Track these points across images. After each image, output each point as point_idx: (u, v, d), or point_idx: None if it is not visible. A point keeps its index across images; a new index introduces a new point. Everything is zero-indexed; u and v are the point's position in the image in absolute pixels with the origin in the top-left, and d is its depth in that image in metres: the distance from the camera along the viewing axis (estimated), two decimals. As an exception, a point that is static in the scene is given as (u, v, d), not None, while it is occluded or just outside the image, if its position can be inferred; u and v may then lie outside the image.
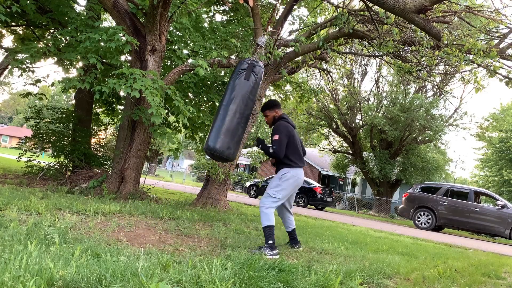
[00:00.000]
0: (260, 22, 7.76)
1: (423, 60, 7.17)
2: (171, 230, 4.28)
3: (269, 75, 7.64)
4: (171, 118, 9.52)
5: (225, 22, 10.10)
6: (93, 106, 10.08)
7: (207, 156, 4.14)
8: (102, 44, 6.42)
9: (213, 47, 8.79)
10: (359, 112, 21.89)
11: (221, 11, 10.49)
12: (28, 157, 9.00)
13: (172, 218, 5.15)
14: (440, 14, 6.00)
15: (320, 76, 19.19)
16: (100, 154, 9.80)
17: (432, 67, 8.06)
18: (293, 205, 4.40)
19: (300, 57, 7.90)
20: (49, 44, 7.39)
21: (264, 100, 7.54)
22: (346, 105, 21.30)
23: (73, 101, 11.11)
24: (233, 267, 2.66)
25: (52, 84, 8.81)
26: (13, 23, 8.85)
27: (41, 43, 8.85)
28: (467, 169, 73.82)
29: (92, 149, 9.51)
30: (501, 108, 27.93)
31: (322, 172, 27.77)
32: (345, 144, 23.48)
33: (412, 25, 5.74)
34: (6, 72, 13.59)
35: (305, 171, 4.15)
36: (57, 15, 8.04)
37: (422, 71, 7.69)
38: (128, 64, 7.25)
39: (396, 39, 6.36)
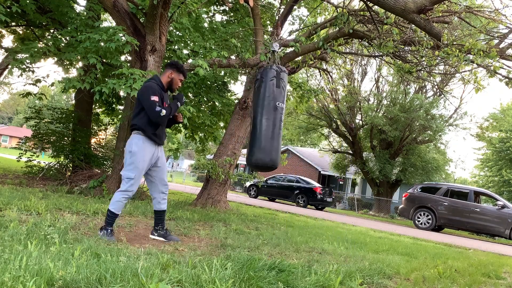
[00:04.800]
0: (260, 22, 7.75)
1: (423, 60, 7.17)
2: (171, 230, 4.28)
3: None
4: (171, 118, 9.49)
5: (225, 22, 10.10)
6: (93, 106, 10.07)
7: (248, 163, 4.09)
8: (102, 44, 6.42)
9: (213, 47, 8.79)
10: (359, 112, 21.90)
11: (221, 11, 10.49)
12: (28, 157, 8.99)
13: (172, 218, 5.15)
14: (440, 14, 6.00)
15: (320, 76, 19.19)
16: (100, 154, 9.80)
17: (432, 67, 8.06)
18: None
19: (300, 57, 7.90)
20: (49, 44, 7.38)
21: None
22: (346, 105, 21.30)
23: (73, 101, 11.10)
24: (233, 267, 2.66)
25: (52, 84, 8.81)
26: (13, 23, 8.84)
27: (41, 43, 8.85)
28: (467, 169, 73.81)
29: (92, 149, 9.51)
30: (501, 108, 27.92)
31: (322, 172, 27.77)
32: (345, 144, 23.48)
33: (412, 25, 5.74)
34: (6, 72, 13.58)
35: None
36: (57, 15, 8.03)
37: (422, 71, 7.69)
38: (128, 64, 7.25)
39: (396, 39, 6.36)
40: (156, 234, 3.78)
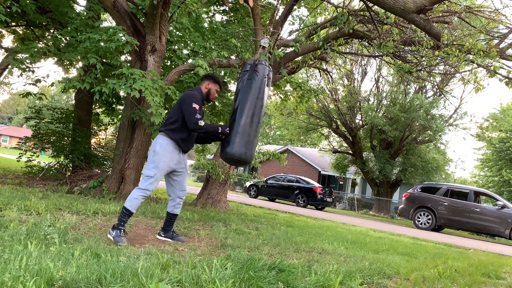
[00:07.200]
0: (260, 22, 7.75)
1: (423, 60, 7.18)
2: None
3: (269, 75, 7.65)
4: (171, 118, 9.49)
5: (225, 22, 10.10)
6: (93, 106, 10.07)
7: (226, 160, 3.94)
8: (102, 44, 6.42)
9: (213, 47, 8.79)
10: (359, 112, 21.91)
11: (221, 11, 10.49)
12: (28, 157, 8.99)
13: (172, 218, 5.14)
14: (440, 14, 5.99)
15: (320, 76, 19.19)
16: (100, 154, 9.79)
17: (432, 67, 8.06)
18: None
19: (300, 57, 7.90)
20: (49, 44, 7.38)
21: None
22: (346, 105, 21.31)
23: (73, 101, 11.10)
24: (233, 267, 2.66)
25: (52, 84, 8.79)
26: (13, 23, 8.84)
27: (41, 43, 8.84)
28: (467, 169, 73.82)
29: (92, 149, 9.50)
30: (501, 108, 27.91)
31: (322, 172, 27.77)
32: (345, 144, 23.48)
33: (412, 25, 5.74)
34: (6, 72, 13.59)
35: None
36: (57, 15, 8.03)
37: (422, 71, 7.69)
38: (128, 64, 7.25)
39: (396, 39, 6.36)
40: (163, 235, 3.83)
